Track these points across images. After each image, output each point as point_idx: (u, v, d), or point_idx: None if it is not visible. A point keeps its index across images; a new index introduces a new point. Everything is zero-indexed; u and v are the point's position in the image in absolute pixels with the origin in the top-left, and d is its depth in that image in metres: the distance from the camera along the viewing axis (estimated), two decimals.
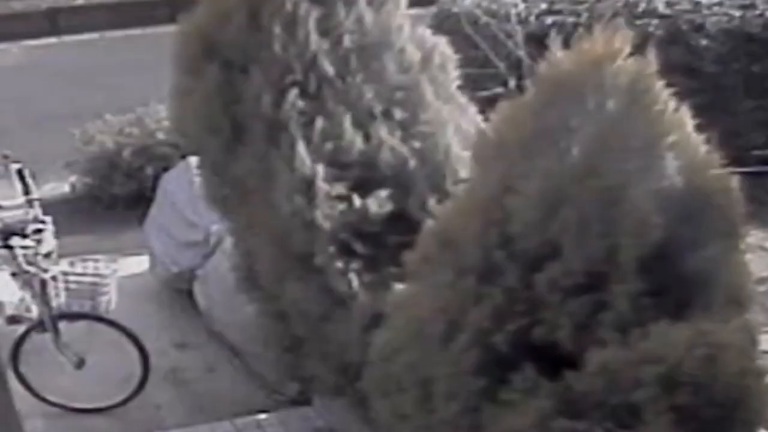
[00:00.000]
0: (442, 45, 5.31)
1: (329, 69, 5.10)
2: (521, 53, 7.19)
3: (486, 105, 4.63)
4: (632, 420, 3.53)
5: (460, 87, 5.32)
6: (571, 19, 8.07)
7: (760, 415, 3.63)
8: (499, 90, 6.69)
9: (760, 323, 4.04)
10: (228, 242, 6.20)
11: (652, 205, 3.67)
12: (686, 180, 3.76)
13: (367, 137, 5.04)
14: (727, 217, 3.83)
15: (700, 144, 3.85)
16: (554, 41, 3.90)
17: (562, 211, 3.76)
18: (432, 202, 4.85)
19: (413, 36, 5.27)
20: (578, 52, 3.84)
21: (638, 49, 3.85)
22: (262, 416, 5.83)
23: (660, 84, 3.81)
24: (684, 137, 3.81)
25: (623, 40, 3.81)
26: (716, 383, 3.49)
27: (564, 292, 3.75)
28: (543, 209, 3.80)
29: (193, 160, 6.53)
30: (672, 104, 3.81)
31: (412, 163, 5.01)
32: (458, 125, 5.14)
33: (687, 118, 3.85)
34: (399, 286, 4.55)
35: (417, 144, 5.06)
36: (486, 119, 4.40)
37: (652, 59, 3.81)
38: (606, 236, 3.71)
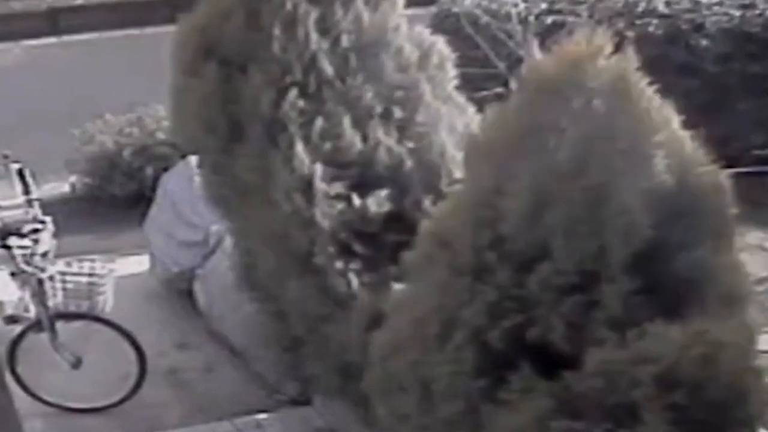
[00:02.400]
0: (440, 44, 5.31)
1: (328, 69, 5.11)
2: (521, 53, 7.18)
3: (486, 105, 4.63)
4: (630, 420, 3.52)
5: (459, 87, 5.32)
6: (571, 19, 8.06)
7: (758, 414, 3.62)
8: (500, 90, 6.68)
9: (760, 323, 4.02)
10: (228, 242, 6.20)
11: (640, 203, 3.65)
12: (675, 178, 3.74)
13: (364, 137, 5.04)
14: (718, 216, 3.81)
15: (687, 142, 3.83)
16: (532, 42, 3.90)
17: (550, 210, 3.76)
18: (427, 202, 4.86)
19: (411, 35, 5.27)
20: (559, 52, 3.84)
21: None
22: (262, 416, 5.82)
23: (644, 82, 3.79)
24: (671, 135, 3.79)
25: (603, 39, 3.79)
26: (713, 382, 3.48)
27: (556, 292, 3.74)
28: (532, 209, 3.79)
29: (193, 159, 6.53)
30: (657, 102, 3.79)
31: (408, 163, 5.01)
32: (454, 125, 5.14)
33: (673, 116, 3.83)
34: (398, 286, 4.55)
35: (413, 144, 5.06)
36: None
37: (632, 56, 3.78)
38: (594, 235, 3.70)
